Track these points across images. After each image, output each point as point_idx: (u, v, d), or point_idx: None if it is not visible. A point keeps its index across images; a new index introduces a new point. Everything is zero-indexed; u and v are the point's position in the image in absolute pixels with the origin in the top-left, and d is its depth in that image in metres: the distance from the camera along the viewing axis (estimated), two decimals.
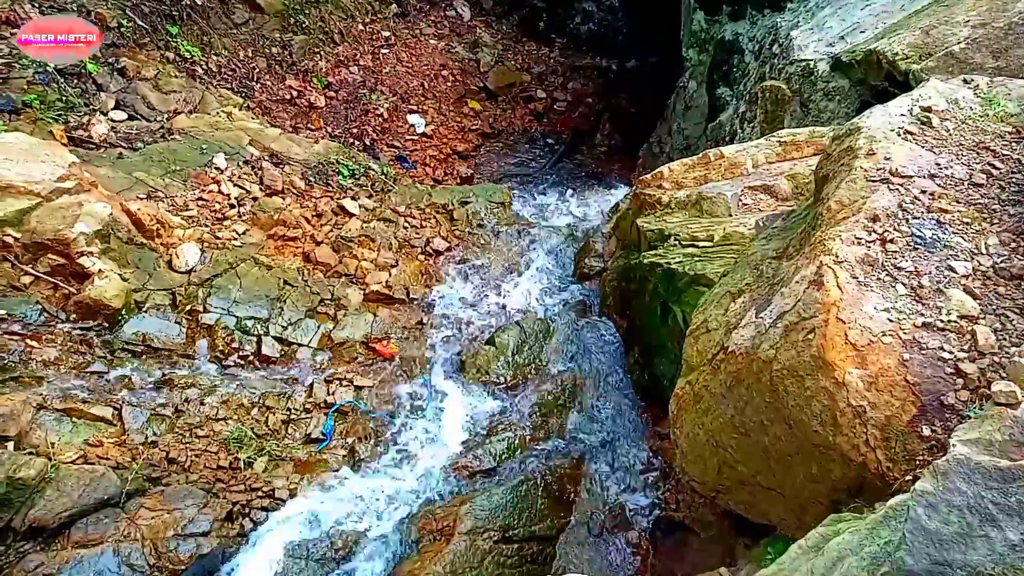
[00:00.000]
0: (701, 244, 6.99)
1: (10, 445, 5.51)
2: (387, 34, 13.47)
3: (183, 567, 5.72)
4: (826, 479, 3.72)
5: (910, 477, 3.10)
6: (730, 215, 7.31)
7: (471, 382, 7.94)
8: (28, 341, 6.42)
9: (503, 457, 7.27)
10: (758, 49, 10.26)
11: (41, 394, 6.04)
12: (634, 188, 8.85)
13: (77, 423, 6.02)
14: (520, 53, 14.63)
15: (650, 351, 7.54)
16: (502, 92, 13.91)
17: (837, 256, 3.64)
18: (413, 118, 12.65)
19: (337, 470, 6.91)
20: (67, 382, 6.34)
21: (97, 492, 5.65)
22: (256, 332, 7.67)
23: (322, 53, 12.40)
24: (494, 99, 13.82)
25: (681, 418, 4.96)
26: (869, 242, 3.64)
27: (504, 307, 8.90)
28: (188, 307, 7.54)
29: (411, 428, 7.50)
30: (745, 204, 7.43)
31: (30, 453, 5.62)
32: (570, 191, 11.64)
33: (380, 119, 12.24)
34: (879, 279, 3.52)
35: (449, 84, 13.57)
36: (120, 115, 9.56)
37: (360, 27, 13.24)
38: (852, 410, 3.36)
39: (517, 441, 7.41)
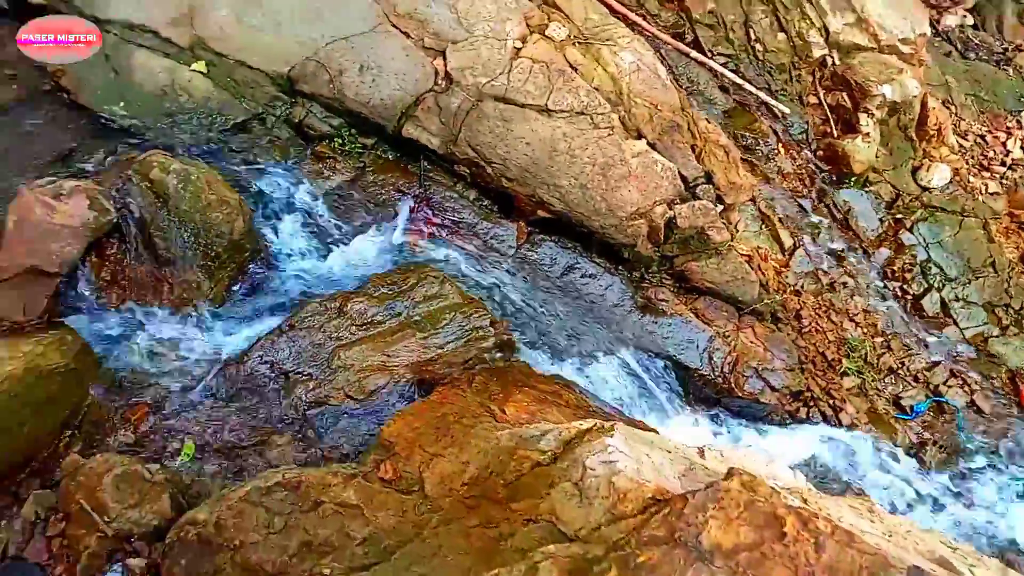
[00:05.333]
0: None
1: (719, 208, 6.21)
2: None
3: (738, 394, 6.09)
4: None
5: None
6: None
7: None
8: (779, 146, 6.99)
9: None
10: None
11: (759, 191, 6.62)
12: None
13: (761, 231, 6.52)
14: None
15: None
16: None
17: None
18: None
19: (895, 445, 6.49)
20: (776, 196, 6.83)
21: (739, 290, 6.17)
22: (931, 282, 7.20)
23: None
24: None
25: None
26: None
27: None
28: (898, 215, 7.37)
29: (985, 479, 6.56)
30: None
31: (716, 228, 6.29)
32: None
33: None
34: None
35: None
36: (970, 20, 9.18)
37: None
38: None
39: None
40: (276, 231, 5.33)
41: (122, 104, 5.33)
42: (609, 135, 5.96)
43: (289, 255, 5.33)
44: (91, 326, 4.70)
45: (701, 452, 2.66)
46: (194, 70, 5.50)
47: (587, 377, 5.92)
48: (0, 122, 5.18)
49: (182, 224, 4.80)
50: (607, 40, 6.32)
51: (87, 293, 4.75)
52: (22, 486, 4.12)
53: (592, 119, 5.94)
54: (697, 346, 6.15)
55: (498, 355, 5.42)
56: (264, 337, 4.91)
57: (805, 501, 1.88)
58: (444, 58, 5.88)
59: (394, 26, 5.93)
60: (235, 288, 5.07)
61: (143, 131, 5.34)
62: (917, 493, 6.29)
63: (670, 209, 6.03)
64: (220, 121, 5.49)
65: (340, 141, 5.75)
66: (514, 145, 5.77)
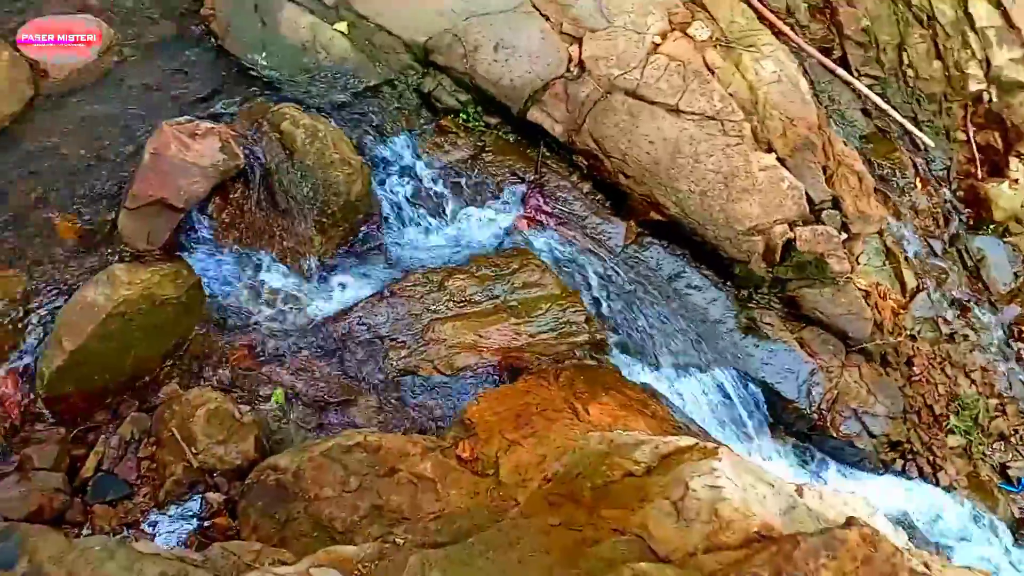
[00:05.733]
0: None
1: (842, 237, 5.90)
2: None
3: (832, 434, 5.78)
4: None
5: None
6: None
7: None
8: (917, 180, 6.60)
9: None
10: None
11: (888, 224, 6.26)
12: None
13: (884, 267, 6.16)
14: None
15: None
16: None
17: None
18: None
19: (995, 516, 6.04)
20: (906, 232, 6.44)
21: (851, 325, 5.85)
22: None
23: None
24: None
25: None
26: None
27: None
28: None
29: None
30: None
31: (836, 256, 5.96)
32: None
33: None
34: None
35: None
36: None
37: None
38: None
39: None
40: (391, 197, 5.39)
41: (264, 55, 5.49)
42: (738, 144, 5.74)
43: (400, 223, 5.39)
44: (205, 264, 4.88)
45: (800, 490, 2.50)
46: (336, 29, 5.60)
47: (676, 391, 5.75)
48: (152, 58, 5.42)
49: (304, 178, 4.91)
50: (750, 46, 6.08)
51: (206, 232, 4.93)
52: (122, 406, 4.33)
53: (722, 125, 5.74)
54: (797, 377, 5.86)
55: (588, 353, 5.33)
56: (365, 299, 4.98)
57: (927, 567, 1.73)
58: (580, 45, 5.79)
59: (535, 7, 5.88)
60: (344, 248, 5.16)
61: (280, 83, 5.47)
62: (1016, 572, 5.86)
63: (791, 230, 5.77)
64: (353, 83, 5.58)
65: (465, 117, 5.75)
66: (637, 141, 5.63)
